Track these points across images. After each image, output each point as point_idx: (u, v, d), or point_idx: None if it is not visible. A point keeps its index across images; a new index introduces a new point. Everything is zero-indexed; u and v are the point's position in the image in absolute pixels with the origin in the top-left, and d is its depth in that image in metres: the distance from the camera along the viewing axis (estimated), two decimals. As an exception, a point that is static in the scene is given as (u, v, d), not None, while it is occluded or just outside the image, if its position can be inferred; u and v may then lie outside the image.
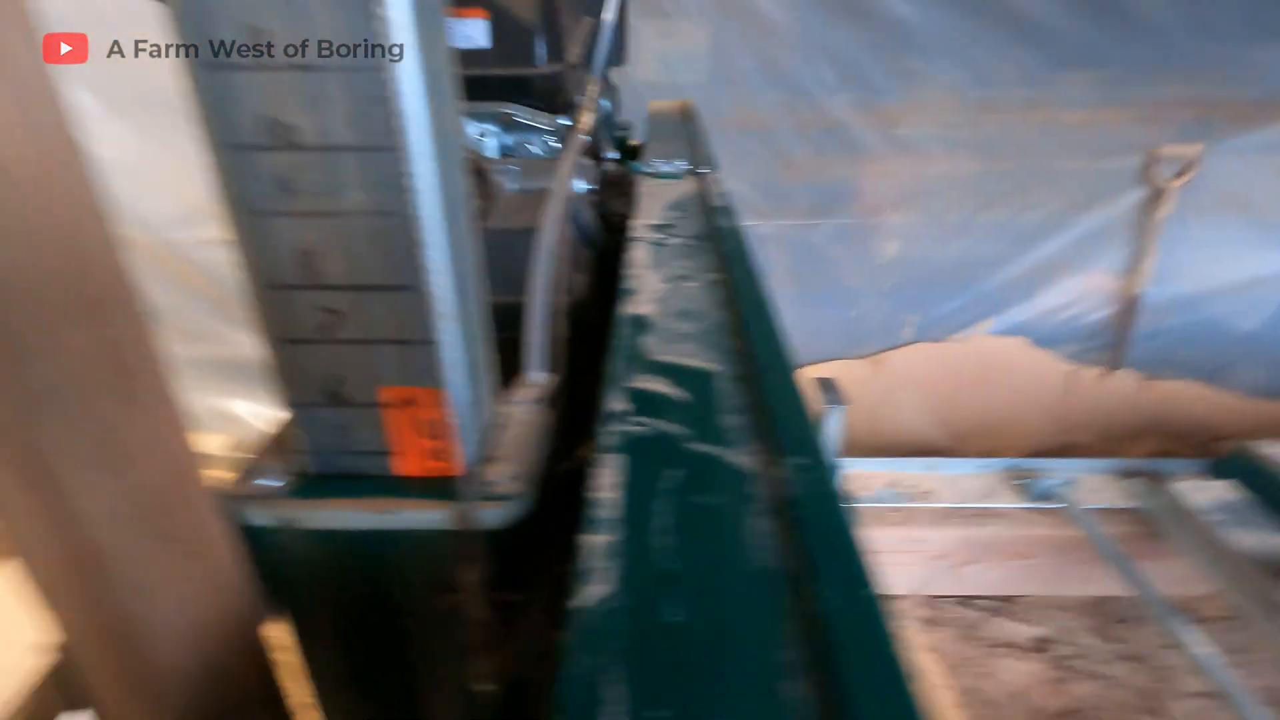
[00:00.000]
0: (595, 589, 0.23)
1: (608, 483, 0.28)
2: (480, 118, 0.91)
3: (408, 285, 0.31)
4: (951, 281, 2.46)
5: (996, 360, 2.51)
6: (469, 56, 0.88)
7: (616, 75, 2.13)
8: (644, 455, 0.29)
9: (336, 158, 0.28)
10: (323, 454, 0.35)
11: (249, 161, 0.28)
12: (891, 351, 2.55)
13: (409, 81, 0.28)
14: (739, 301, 0.46)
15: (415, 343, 0.32)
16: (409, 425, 0.34)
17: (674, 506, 0.27)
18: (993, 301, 2.49)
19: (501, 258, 0.52)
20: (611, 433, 0.31)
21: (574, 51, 0.95)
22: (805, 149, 2.21)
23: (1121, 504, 1.63)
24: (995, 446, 2.35)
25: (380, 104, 0.27)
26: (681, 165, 0.96)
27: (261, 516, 0.34)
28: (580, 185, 0.84)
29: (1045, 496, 1.66)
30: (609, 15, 0.90)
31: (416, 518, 0.33)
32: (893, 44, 2.07)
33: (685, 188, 0.87)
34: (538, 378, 0.44)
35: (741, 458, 0.30)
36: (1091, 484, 1.71)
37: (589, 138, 0.97)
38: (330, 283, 0.31)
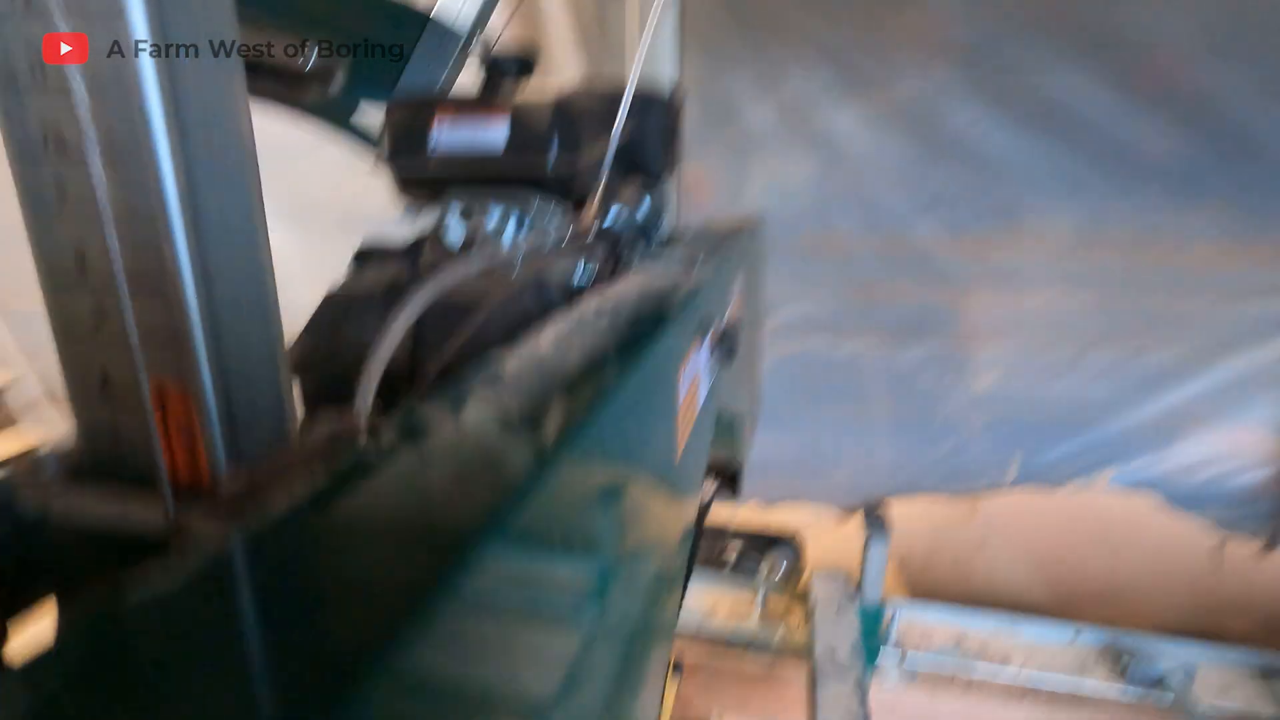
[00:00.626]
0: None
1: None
2: (501, 205, 1.00)
3: (161, 287, 0.35)
4: (1061, 423, 2.22)
5: (1120, 517, 2.19)
6: (488, 156, 0.99)
7: (698, 191, 2.25)
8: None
9: (94, 163, 0.33)
10: (93, 448, 0.39)
11: (34, 170, 0.35)
12: (991, 494, 2.31)
13: (151, 84, 0.33)
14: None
15: (171, 342, 0.36)
16: (169, 425, 0.38)
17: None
18: (1113, 450, 2.21)
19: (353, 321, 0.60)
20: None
21: (591, 155, 1.03)
22: (884, 275, 2.17)
23: (1256, 708, 1.30)
24: (1115, 618, 2.00)
25: (127, 108, 0.33)
26: (676, 259, 0.99)
27: (25, 504, 0.38)
28: (567, 272, 0.89)
29: (1153, 683, 1.37)
30: (618, 125, 0.98)
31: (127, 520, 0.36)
32: (986, 176, 2.04)
33: (666, 279, 0.89)
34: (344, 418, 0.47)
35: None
36: (1219, 678, 1.39)
37: (596, 234, 1.03)
38: (99, 282, 0.36)
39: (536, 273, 0.85)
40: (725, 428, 1.46)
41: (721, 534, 1.63)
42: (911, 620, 1.51)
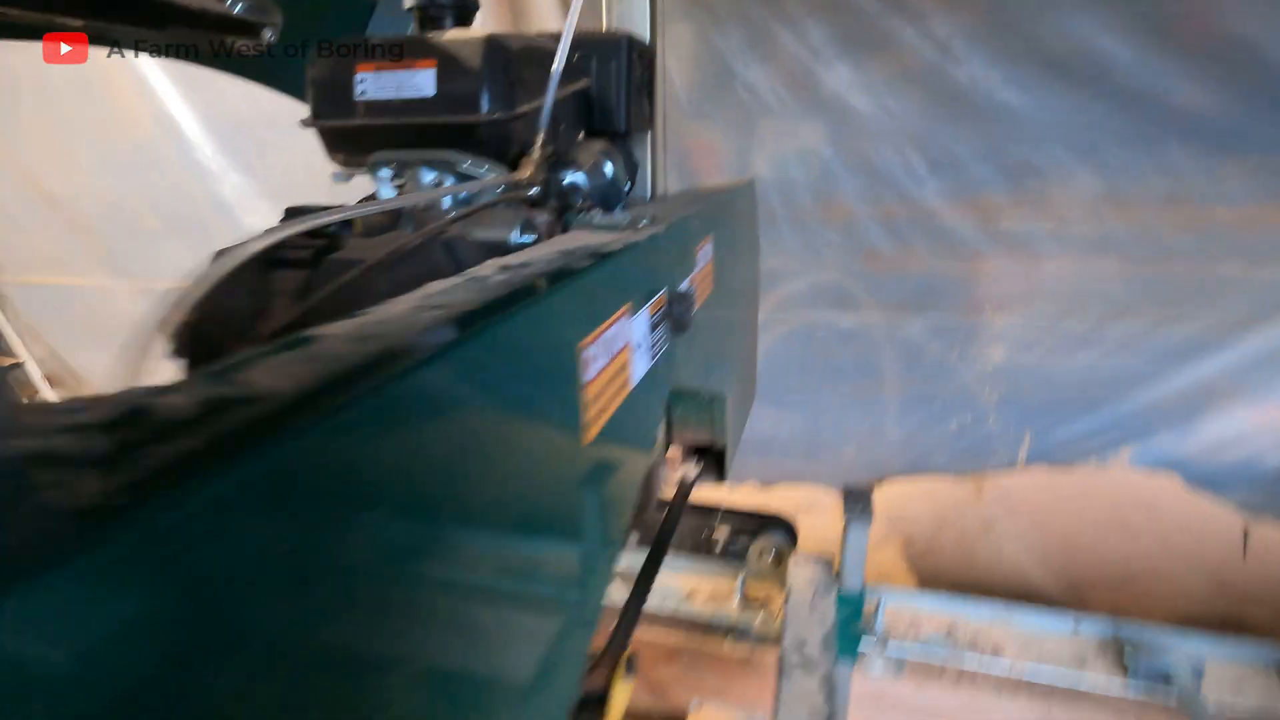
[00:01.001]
0: None
1: None
2: (429, 166, 0.92)
3: None
4: (1076, 399, 2.10)
5: (1138, 499, 2.06)
6: (417, 105, 0.90)
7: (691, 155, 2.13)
8: None
9: None
10: None
11: None
12: (1000, 473, 2.20)
13: None
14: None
15: None
16: None
17: None
18: (1133, 427, 2.08)
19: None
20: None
21: (528, 104, 0.94)
22: (890, 241, 2.04)
23: (1272, 706, 1.20)
24: (1126, 606, 1.89)
25: None
26: (622, 219, 0.90)
27: None
28: (509, 234, 0.81)
29: (1158, 679, 1.27)
30: (556, 69, 0.89)
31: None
32: (996, 132, 1.89)
33: (600, 239, 0.81)
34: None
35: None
36: (1232, 674, 1.29)
37: (539, 189, 0.95)
38: None
39: (447, 233, 0.76)
40: (703, 407, 1.37)
41: (711, 515, 1.55)
42: (900, 608, 1.43)
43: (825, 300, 2.15)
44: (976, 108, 1.86)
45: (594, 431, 0.60)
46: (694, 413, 1.41)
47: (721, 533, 1.55)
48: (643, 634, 1.53)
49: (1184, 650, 1.30)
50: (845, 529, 1.26)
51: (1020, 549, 2.02)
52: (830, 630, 1.20)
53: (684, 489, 1.42)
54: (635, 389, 0.71)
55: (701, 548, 1.61)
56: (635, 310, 0.70)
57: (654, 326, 0.77)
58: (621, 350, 0.69)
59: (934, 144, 1.92)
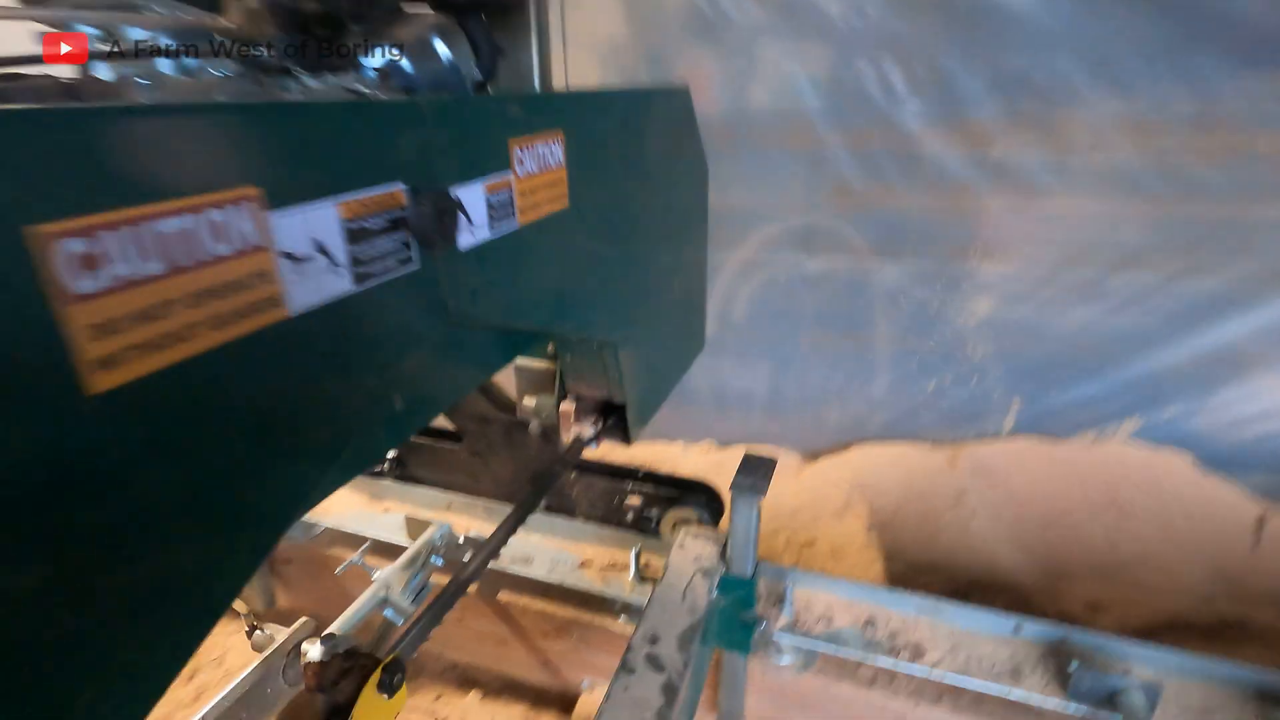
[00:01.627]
0: None
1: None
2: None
3: None
4: (1075, 361, 1.82)
5: (1138, 478, 1.81)
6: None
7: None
8: None
9: None
10: None
11: None
12: (980, 443, 1.96)
13: None
14: None
15: None
16: None
17: None
18: (1139, 396, 1.81)
19: None
20: None
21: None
22: (863, 173, 1.77)
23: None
24: (1108, 601, 1.66)
25: None
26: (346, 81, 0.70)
27: None
28: None
29: (1100, 699, 1.06)
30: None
31: None
32: (990, 41, 1.58)
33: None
34: None
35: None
36: (1201, 698, 1.07)
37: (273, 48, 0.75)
38: None
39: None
40: (590, 356, 1.18)
41: (627, 478, 1.37)
42: (814, 595, 1.24)
43: (789, 241, 1.90)
44: (968, 9, 1.55)
45: (111, 379, 0.39)
46: (583, 362, 1.22)
47: (636, 500, 1.38)
48: (532, 604, 1.38)
49: (1143, 666, 1.09)
50: (732, 504, 1.06)
51: (993, 527, 1.79)
52: (699, 622, 1.02)
53: (574, 449, 1.24)
54: (300, 318, 0.51)
55: (612, 516, 1.44)
56: (293, 202, 0.49)
57: (363, 235, 0.56)
58: (292, 253, 0.50)
59: (916, 55, 1.63)
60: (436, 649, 1.59)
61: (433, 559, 1.26)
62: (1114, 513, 1.78)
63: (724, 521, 1.38)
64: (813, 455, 2.12)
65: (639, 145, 1.06)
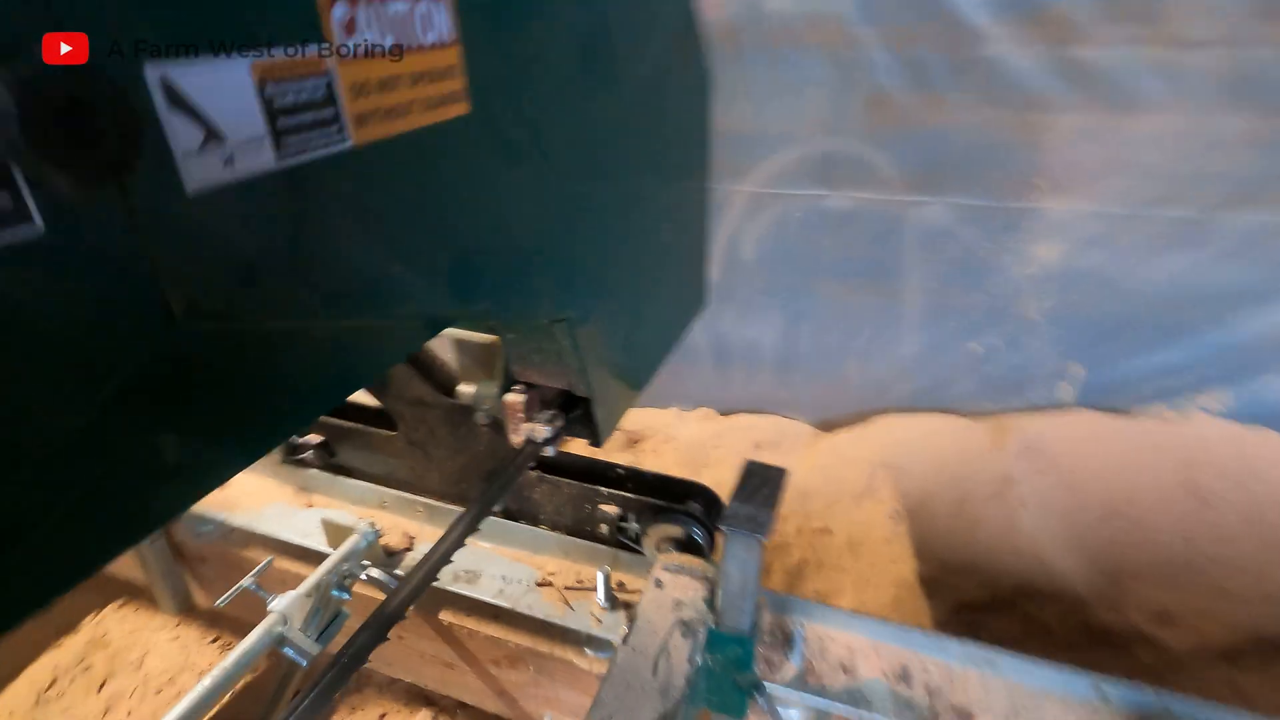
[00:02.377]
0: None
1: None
2: None
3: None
4: (1153, 321, 1.49)
5: (1223, 460, 1.50)
6: None
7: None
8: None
9: None
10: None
11: None
12: (1031, 416, 1.65)
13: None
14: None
15: None
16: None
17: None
18: (1228, 363, 1.48)
19: None
20: None
21: None
22: (906, 80, 1.40)
23: None
24: (1179, 610, 1.38)
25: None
26: None
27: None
28: None
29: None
30: None
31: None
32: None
33: None
34: None
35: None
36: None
37: None
38: None
39: None
40: (540, 336, 0.86)
41: (600, 480, 1.09)
42: (830, 633, 0.96)
43: (807, 172, 1.54)
44: None
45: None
46: (528, 344, 0.90)
47: (612, 508, 1.09)
48: (479, 628, 1.11)
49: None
50: (725, 545, 0.77)
51: (1043, 519, 1.50)
52: (675, 708, 0.74)
53: (526, 454, 0.94)
54: None
55: (583, 524, 1.16)
56: None
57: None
58: None
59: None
60: (378, 665, 1.35)
61: (339, 593, 0.99)
62: (1191, 502, 1.48)
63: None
64: (829, 426, 1.82)
65: (604, 28, 0.71)
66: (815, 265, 1.67)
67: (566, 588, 1.08)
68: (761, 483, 0.81)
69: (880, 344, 1.71)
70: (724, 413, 1.89)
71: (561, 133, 0.65)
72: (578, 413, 0.95)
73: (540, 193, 0.64)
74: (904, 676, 0.94)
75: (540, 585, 1.09)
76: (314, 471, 1.31)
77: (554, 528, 1.16)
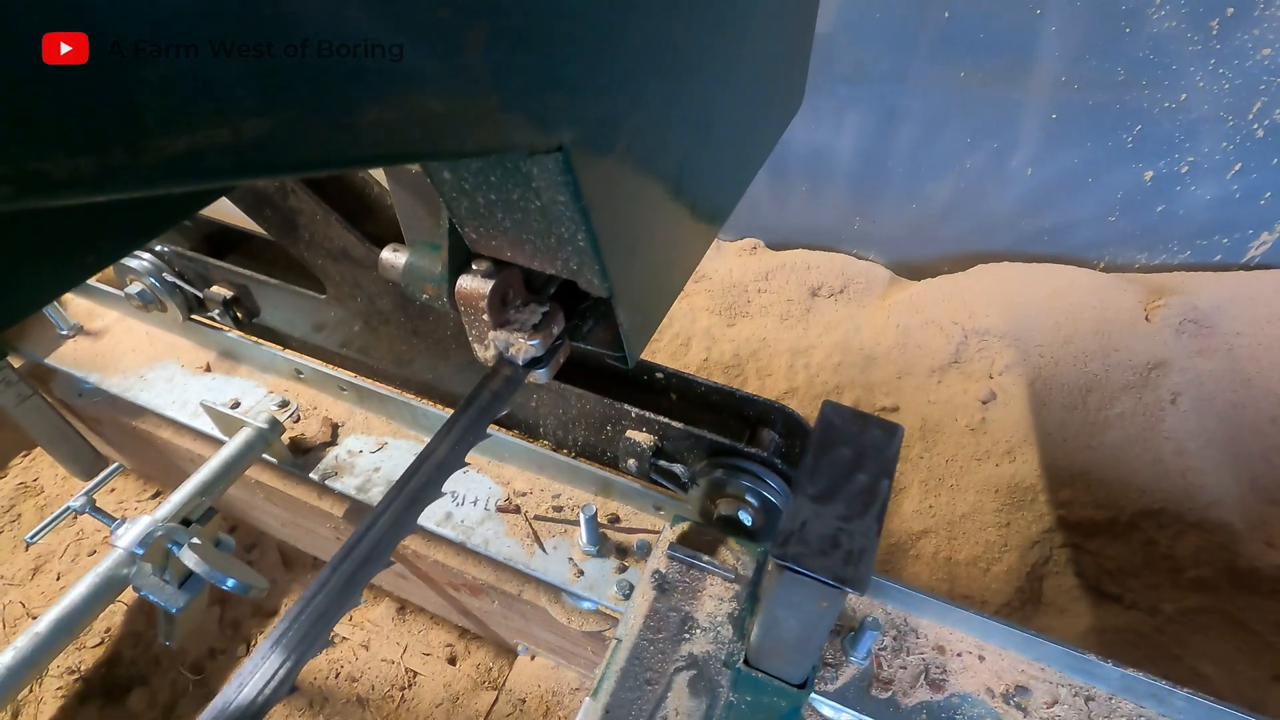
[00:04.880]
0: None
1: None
2: None
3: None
4: None
5: None
6: None
7: None
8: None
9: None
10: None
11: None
12: (1207, 274, 1.20)
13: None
14: None
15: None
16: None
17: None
18: None
19: None
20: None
21: None
22: None
23: None
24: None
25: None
26: None
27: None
28: None
29: None
30: None
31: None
32: None
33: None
34: None
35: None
36: None
37: None
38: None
39: None
40: (509, 176, 0.42)
41: (632, 392, 0.71)
42: (914, 624, 0.64)
43: None
44: None
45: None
46: (486, 187, 0.46)
47: (645, 437, 0.71)
48: (425, 550, 0.83)
49: None
50: (778, 585, 0.41)
51: (1198, 422, 1.11)
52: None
53: (503, 383, 0.56)
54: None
55: (601, 455, 0.81)
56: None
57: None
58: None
59: None
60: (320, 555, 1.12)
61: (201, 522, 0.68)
62: None
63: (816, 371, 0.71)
64: (913, 272, 1.39)
65: None
66: (917, 41, 1.12)
67: (537, 517, 0.76)
68: (855, 457, 0.42)
69: (998, 159, 1.21)
70: (774, 246, 1.46)
71: None
72: (589, 309, 0.53)
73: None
74: (1017, 696, 0.63)
75: (502, 511, 0.77)
76: (228, 332, 0.96)
77: (559, 448, 0.82)
